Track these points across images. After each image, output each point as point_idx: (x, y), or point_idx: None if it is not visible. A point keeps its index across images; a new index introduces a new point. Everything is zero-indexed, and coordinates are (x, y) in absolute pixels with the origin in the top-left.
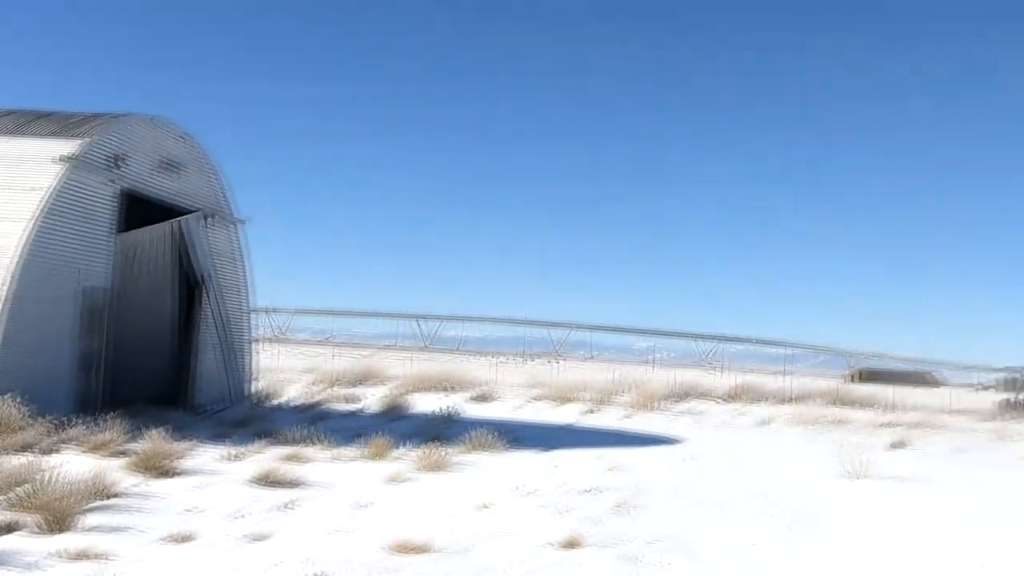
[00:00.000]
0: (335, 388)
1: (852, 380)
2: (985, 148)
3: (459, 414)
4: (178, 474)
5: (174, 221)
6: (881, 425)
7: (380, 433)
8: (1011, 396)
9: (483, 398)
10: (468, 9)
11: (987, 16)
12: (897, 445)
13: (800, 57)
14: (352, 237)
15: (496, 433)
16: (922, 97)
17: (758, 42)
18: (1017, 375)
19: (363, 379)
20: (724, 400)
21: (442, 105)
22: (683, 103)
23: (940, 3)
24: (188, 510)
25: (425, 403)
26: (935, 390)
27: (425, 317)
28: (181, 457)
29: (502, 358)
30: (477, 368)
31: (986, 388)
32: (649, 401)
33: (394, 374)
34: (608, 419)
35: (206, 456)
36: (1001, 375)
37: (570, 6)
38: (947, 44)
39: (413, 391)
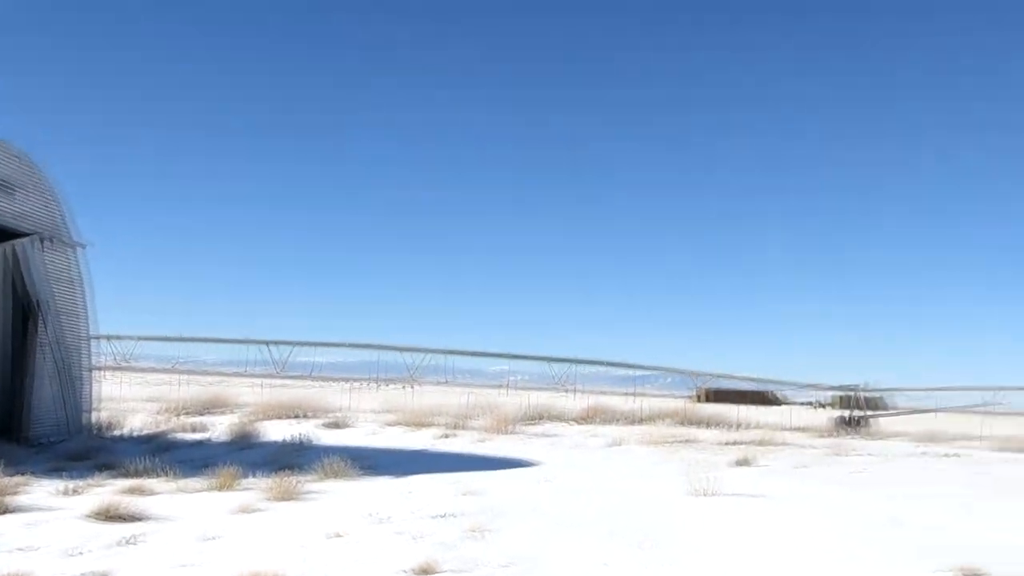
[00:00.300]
0: (181, 417)
1: (700, 400)
2: (810, 173)
3: (312, 441)
4: (10, 511)
5: (7, 244)
6: (727, 443)
7: (228, 463)
8: (845, 413)
9: (337, 425)
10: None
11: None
12: (742, 463)
13: None
14: (200, 262)
15: (350, 460)
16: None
17: None
18: (851, 393)
19: (211, 407)
20: (577, 422)
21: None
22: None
23: None
24: (21, 548)
25: (276, 431)
26: (777, 408)
27: (276, 343)
28: (14, 493)
29: (356, 384)
30: (331, 394)
31: (823, 406)
32: (504, 425)
33: (244, 402)
34: (463, 443)
35: (41, 491)
36: (837, 393)
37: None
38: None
39: (264, 419)
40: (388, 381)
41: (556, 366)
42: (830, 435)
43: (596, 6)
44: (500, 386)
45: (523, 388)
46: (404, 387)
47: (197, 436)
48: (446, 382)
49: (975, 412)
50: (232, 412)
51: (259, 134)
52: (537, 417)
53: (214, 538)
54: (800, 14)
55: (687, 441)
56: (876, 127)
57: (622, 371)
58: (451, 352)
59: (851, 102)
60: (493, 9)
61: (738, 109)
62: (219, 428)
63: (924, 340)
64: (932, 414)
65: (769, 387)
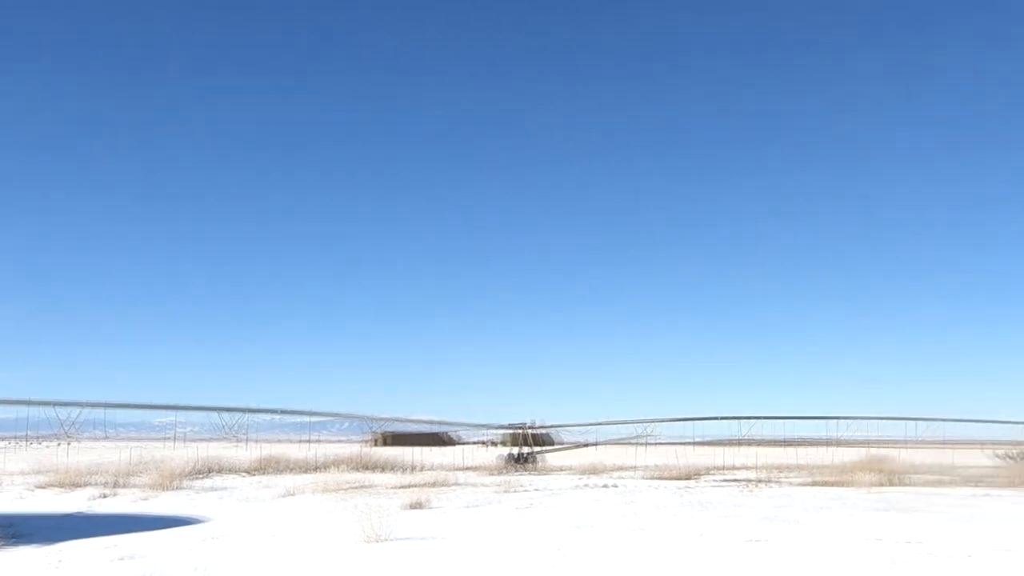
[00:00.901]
0: None
1: (376, 444)
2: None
3: None
4: None
5: None
6: (402, 487)
7: None
8: (515, 450)
9: None
10: None
11: None
12: (415, 505)
13: None
14: None
15: None
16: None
17: None
18: (519, 431)
19: None
20: (250, 473)
21: None
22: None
23: None
24: None
25: None
26: (452, 448)
27: None
28: None
29: (2, 443)
30: None
31: (495, 444)
32: (170, 480)
33: None
34: (124, 503)
35: None
36: (507, 431)
37: None
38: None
39: None
40: (39, 439)
41: (226, 415)
42: (500, 473)
43: None
44: (167, 439)
45: (192, 440)
46: (58, 444)
47: None
48: (106, 437)
49: (631, 443)
50: None
51: None
52: (207, 470)
53: None
54: None
55: (363, 487)
56: None
57: (296, 418)
58: (110, 405)
59: None
60: None
61: None
62: None
63: (587, 377)
64: (594, 447)
65: (444, 428)
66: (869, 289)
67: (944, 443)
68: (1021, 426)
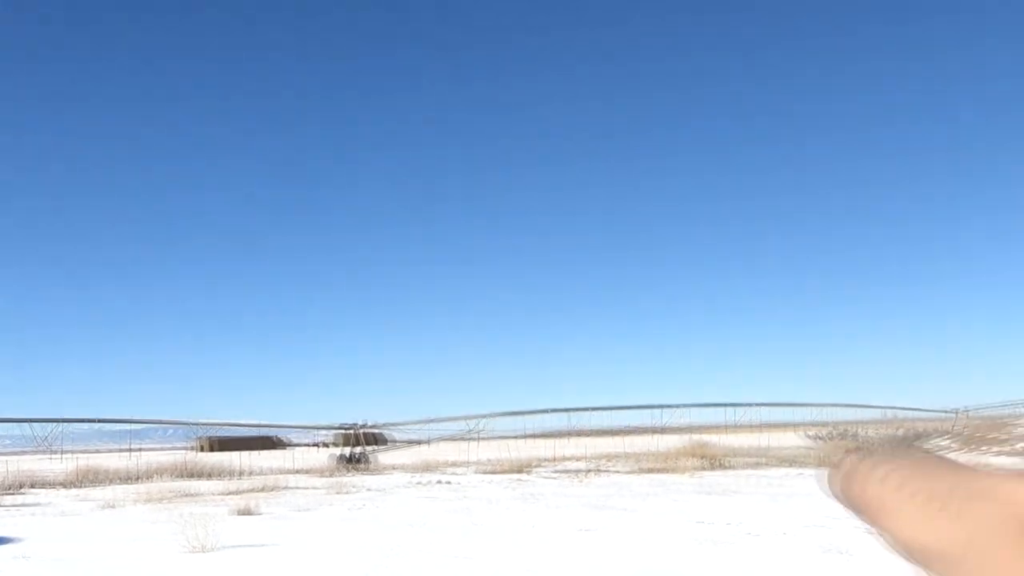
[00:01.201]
0: None
1: (203, 450)
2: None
3: None
4: None
5: None
6: (229, 493)
7: None
8: (345, 451)
9: None
10: None
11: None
12: (244, 512)
13: None
14: None
15: None
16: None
17: None
18: (350, 431)
19: None
20: (66, 487)
21: None
22: None
23: None
24: None
25: None
26: (281, 452)
27: None
28: None
29: None
30: None
31: (326, 445)
32: None
33: None
34: None
35: None
36: (339, 432)
37: None
38: None
39: None
40: None
41: (39, 427)
42: (332, 474)
43: None
44: None
45: (2, 454)
46: None
47: None
48: None
49: (463, 439)
50: None
51: None
52: (18, 485)
53: None
54: None
55: (188, 495)
56: None
57: (116, 427)
58: None
59: None
60: None
61: None
62: None
63: (416, 375)
64: (426, 445)
65: (273, 431)
66: (685, 277)
67: (761, 427)
68: (829, 408)
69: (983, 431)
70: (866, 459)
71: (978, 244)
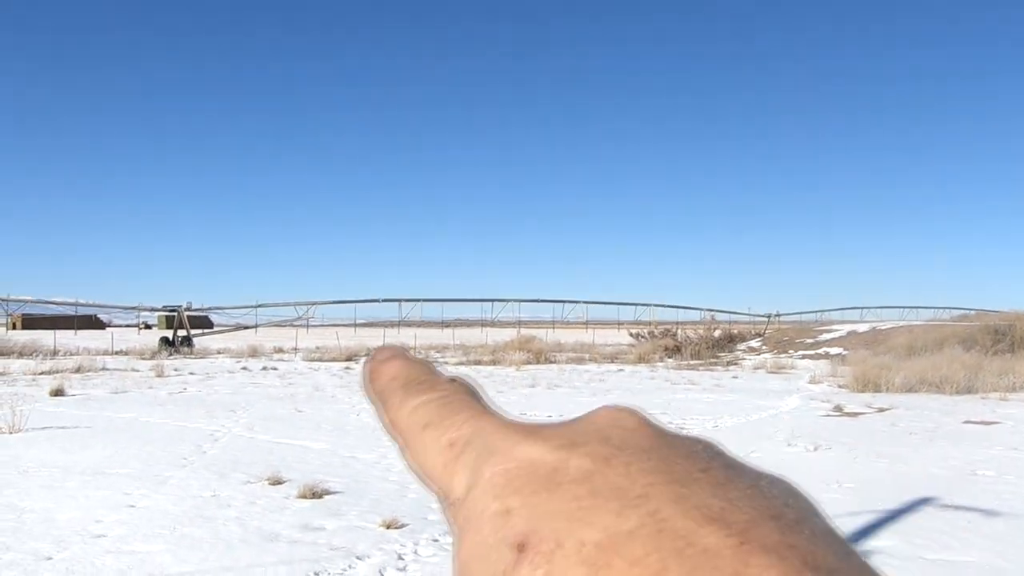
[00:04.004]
0: None
1: (14, 327)
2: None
3: None
4: None
5: None
6: (41, 373)
7: None
8: (168, 333)
9: None
10: None
11: None
12: (56, 392)
13: None
14: None
15: None
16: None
17: None
18: (174, 313)
19: None
20: None
21: None
22: None
23: None
24: None
25: None
26: (101, 332)
27: None
28: None
29: None
30: None
31: (148, 327)
32: None
33: None
34: None
35: None
36: (162, 313)
37: None
38: None
39: None
40: None
41: None
42: (154, 357)
43: None
44: None
45: None
46: None
47: None
48: None
49: (291, 326)
50: None
51: None
52: None
53: None
54: None
55: None
56: None
57: None
58: None
59: None
60: None
61: None
62: None
63: (244, 259)
64: (253, 330)
65: (91, 311)
66: (527, 174)
67: (587, 324)
68: (653, 308)
69: (791, 335)
70: (399, 380)
71: (799, 167)
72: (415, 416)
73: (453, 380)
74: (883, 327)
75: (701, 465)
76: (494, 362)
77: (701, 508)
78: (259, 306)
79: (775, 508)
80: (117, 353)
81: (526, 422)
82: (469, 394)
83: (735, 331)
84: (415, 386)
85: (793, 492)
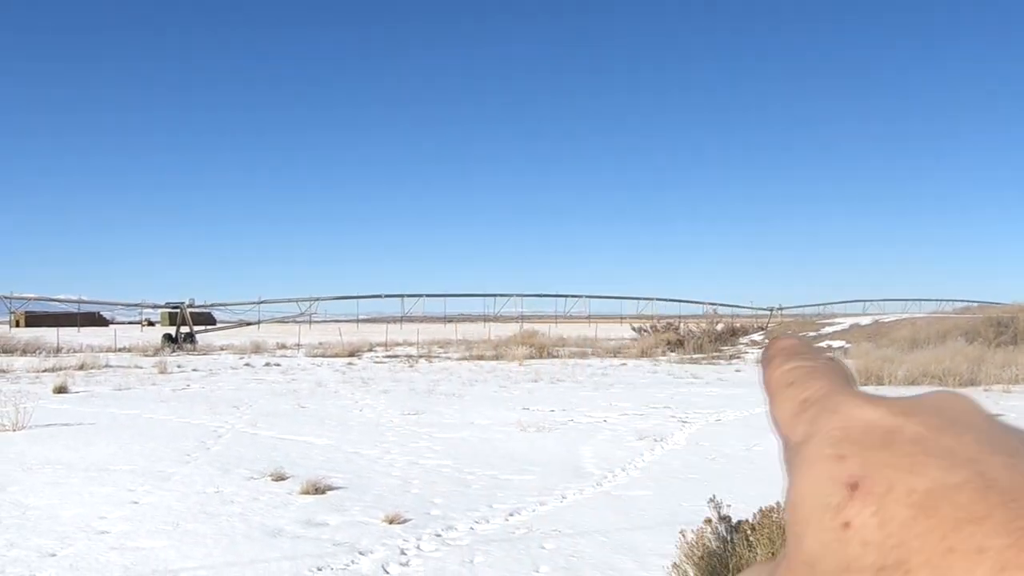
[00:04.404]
0: None
1: (16, 325)
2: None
3: None
4: None
5: None
6: (45, 370)
7: None
8: (172, 331)
9: None
10: None
11: None
12: (60, 390)
13: None
14: None
15: None
16: None
17: None
18: (176, 310)
19: None
20: None
21: None
22: None
23: None
24: None
25: None
26: (105, 329)
27: None
28: None
29: None
30: None
31: (152, 323)
32: None
33: None
34: None
35: None
36: (165, 310)
37: None
38: None
39: None
40: None
41: None
42: (158, 353)
43: None
44: None
45: None
46: None
47: None
48: None
49: (294, 322)
50: None
51: None
52: None
53: None
54: None
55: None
56: None
57: None
58: None
59: None
60: None
61: None
62: None
63: (247, 255)
64: (256, 326)
65: (94, 308)
66: (529, 169)
67: (590, 318)
68: (655, 302)
69: (794, 328)
70: (785, 351)
71: (801, 160)
72: (785, 376)
73: (830, 358)
74: (886, 320)
75: None
76: (497, 357)
77: None
78: (262, 302)
79: None
80: (120, 350)
81: (870, 394)
82: (837, 369)
83: (738, 325)
84: (796, 356)
85: None
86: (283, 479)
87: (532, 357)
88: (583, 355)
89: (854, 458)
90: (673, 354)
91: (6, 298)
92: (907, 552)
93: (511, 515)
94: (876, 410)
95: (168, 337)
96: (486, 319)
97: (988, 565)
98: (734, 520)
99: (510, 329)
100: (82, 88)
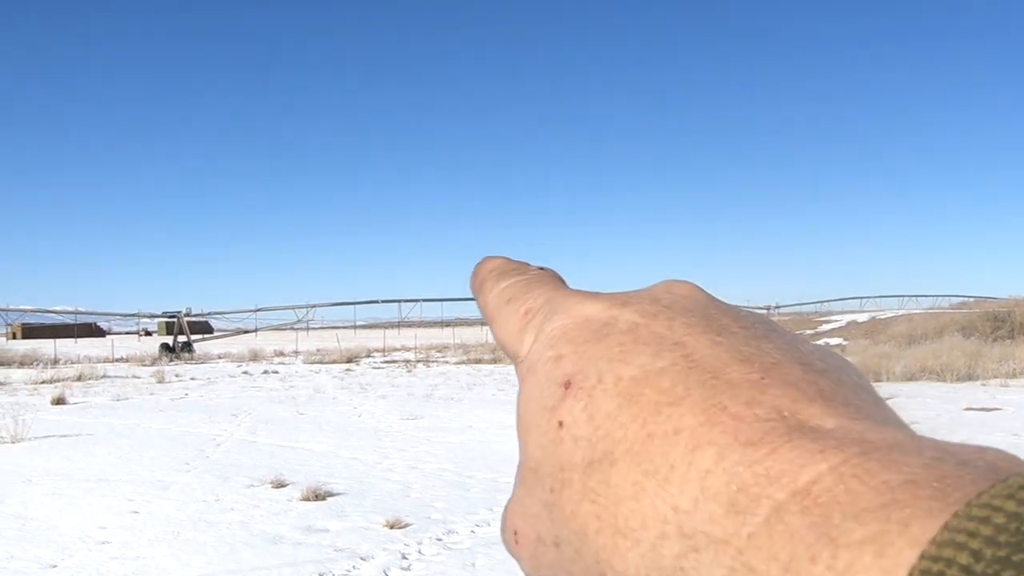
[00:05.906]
0: None
1: (13, 337)
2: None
3: None
4: None
5: None
6: (42, 382)
7: None
8: (169, 339)
9: None
10: None
11: None
12: (58, 401)
13: None
14: None
15: None
16: None
17: None
18: (173, 319)
19: None
20: None
21: None
22: None
23: None
24: None
25: None
26: (102, 340)
27: None
28: None
29: None
30: None
31: (148, 333)
32: None
33: None
34: None
35: None
36: (161, 320)
37: None
38: None
39: None
40: None
41: None
42: (155, 363)
43: None
44: None
45: None
46: None
47: None
48: None
49: (291, 329)
50: None
51: None
52: None
53: None
54: None
55: None
56: None
57: None
58: None
59: None
60: None
61: None
62: None
63: (243, 264)
64: (253, 334)
65: (91, 318)
66: (522, 170)
67: None
68: None
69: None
70: (495, 272)
71: (797, 156)
72: (502, 295)
73: (542, 268)
74: (883, 316)
75: (744, 323)
76: (495, 360)
77: (732, 352)
78: (259, 310)
79: (805, 358)
80: (118, 360)
81: (594, 291)
82: (553, 277)
83: None
84: (508, 273)
85: (831, 353)
86: (283, 486)
87: None
88: None
89: (570, 356)
90: None
91: (2, 310)
92: (612, 443)
93: None
94: (596, 304)
95: (165, 346)
96: (483, 323)
97: (683, 445)
98: None
99: None
100: (76, 96)
